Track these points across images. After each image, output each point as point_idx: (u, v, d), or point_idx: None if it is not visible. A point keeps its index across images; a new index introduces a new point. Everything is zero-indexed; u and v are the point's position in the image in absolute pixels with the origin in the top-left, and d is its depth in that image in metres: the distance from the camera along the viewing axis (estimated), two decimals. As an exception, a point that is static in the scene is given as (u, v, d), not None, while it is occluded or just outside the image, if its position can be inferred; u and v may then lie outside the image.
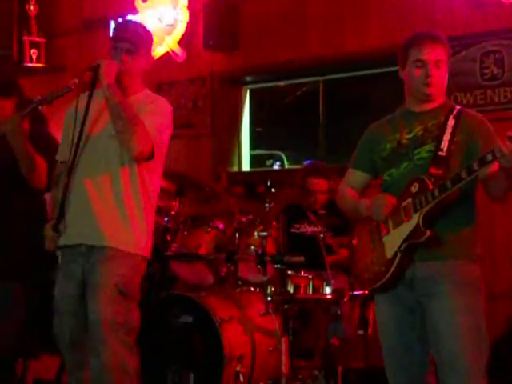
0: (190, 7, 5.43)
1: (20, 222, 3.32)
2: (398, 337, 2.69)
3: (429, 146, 2.65)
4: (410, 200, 2.59)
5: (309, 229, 4.11)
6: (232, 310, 3.76)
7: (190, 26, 5.43)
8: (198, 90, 5.50)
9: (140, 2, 5.63)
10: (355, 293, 3.68)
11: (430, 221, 2.55)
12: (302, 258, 3.62)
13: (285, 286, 3.68)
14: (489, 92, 4.38)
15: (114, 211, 2.88)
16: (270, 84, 5.62)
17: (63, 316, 2.89)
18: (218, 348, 3.60)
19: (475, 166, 2.42)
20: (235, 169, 5.61)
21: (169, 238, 4.03)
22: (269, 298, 3.69)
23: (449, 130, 2.63)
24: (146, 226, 2.96)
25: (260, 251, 3.72)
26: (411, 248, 2.59)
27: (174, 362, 3.65)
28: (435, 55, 2.64)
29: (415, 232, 2.56)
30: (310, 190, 4.31)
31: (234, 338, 3.66)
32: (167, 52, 5.48)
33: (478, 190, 2.66)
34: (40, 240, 3.39)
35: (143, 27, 3.09)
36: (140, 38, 2.97)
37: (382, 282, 2.64)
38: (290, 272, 3.73)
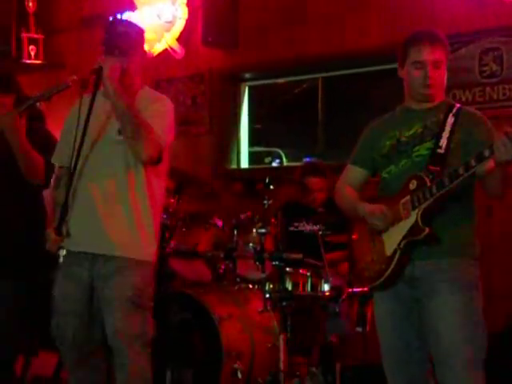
0: (189, 4, 5.43)
1: (18, 219, 3.31)
2: (397, 334, 2.69)
3: (428, 144, 2.65)
4: (408, 197, 2.59)
5: (307, 226, 4.12)
6: (230, 308, 3.77)
7: (189, 22, 5.43)
8: (197, 87, 5.50)
9: (139, -1, 5.63)
10: (354, 290, 3.69)
11: (429, 218, 2.55)
12: (300, 256, 3.62)
13: (283, 283, 3.69)
14: (488, 89, 4.38)
15: (122, 218, 2.83)
16: (268, 81, 5.61)
17: (66, 316, 2.86)
18: (217, 345, 3.60)
19: (472, 162, 2.43)
20: (234, 166, 5.61)
21: (167, 235, 4.02)
22: (267, 295, 3.69)
23: (448, 128, 2.63)
24: (153, 231, 2.91)
25: (258, 248, 3.72)
26: (410, 245, 2.59)
27: (172, 359, 3.66)
28: (434, 56, 2.63)
29: (414, 229, 2.56)
30: (309, 189, 4.31)
31: (232, 335, 3.66)
32: (166, 49, 5.47)
33: (476, 187, 2.66)
34: (39, 238, 3.39)
35: (131, 24, 3.02)
36: (130, 37, 2.89)
37: (381, 280, 2.65)
38: (288, 269, 3.73)
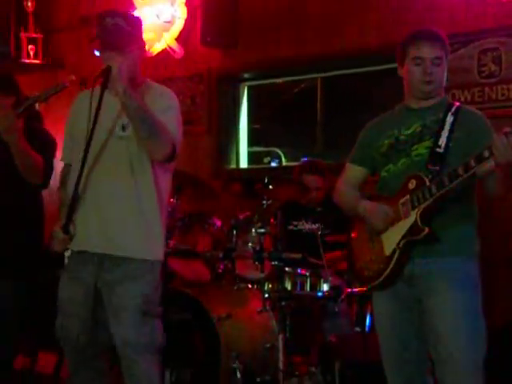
0: (188, 4, 5.43)
1: (18, 219, 3.31)
2: (396, 333, 2.70)
3: (427, 143, 2.65)
4: (407, 197, 2.59)
5: (306, 226, 4.12)
6: (229, 307, 3.77)
7: (188, 22, 5.42)
8: (196, 87, 5.50)
9: (138, -2, 5.63)
10: (354, 290, 3.69)
11: (428, 217, 2.56)
12: (299, 255, 3.62)
13: (282, 282, 3.69)
14: (486, 89, 4.38)
15: (128, 216, 2.76)
16: (267, 81, 5.61)
17: (70, 318, 2.80)
18: (216, 345, 3.60)
19: (472, 163, 2.43)
20: (233, 166, 5.61)
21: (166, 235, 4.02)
22: (266, 295, 3.70)
23: (447, 127, 2.64)
24: (160, 230, 2.84)
25: (257, 248, 3.72)
26: (410, 245, 2.59)
27: (171, 358, 3.65)
28: (433, 52, 2.64)
29: (413, 229, 2.57)
30: (307, 187, 4.31)
31: (231, 334, 3.66)
32: (165, 49, 5.47)
33: (477, 187, 2.66)
34: (39, 238, 3.39)
35: (125, 16, 2.84)
36: (124, 31, 2.76)
37: (381, 280, 2.65)
38: (287, 269, 3.73)
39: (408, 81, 2.71)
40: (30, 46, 5.96)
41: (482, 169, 2.46)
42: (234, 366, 3.59)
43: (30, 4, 5.96)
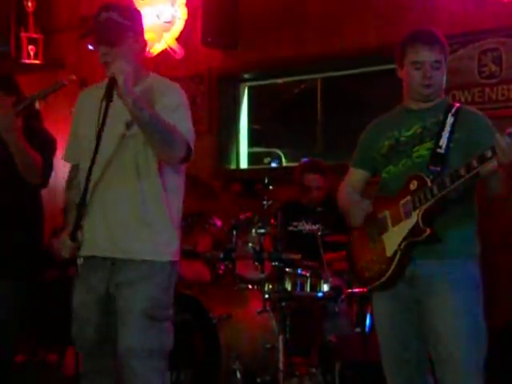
0: (189, 4, 5.43)
1: (18, 219, 3.31)
2: (395, 334, 2.70)
3: (428, 144, 2.65)
4: (408, 197, 2.59)
5: (306, 226, 4.12)
6: (229, 308, 3.77)
7: (189, 22, 5.42)
8: (197, 88, 5.50)
9: (138, -1, 5.63)
10: (354, 290, 3.69)
11: (430, 218, 2.55)
12: (299, 256, 3.62)
13: (282, 283, 3.69)
14: (487, 90, 4.38)
15: (132, 218, 2.66)
16: (268, 81, 5.61)
17: (85, 325, 2.72)
18: (216, 345, 3.60)
19: (474, 164, 2.42)
20: (233, 166, 5.61)
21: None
22: (266, 296, 3.70)
23: (448, 128, 2.63)
24: (172, 228, 2.71)
25: (258, 249, 3.72)
26: (411, 246, 2.59)
27: (171, 359, 3.65)
28: (432, 56, 2.63)
29: (415, 230, 2.56)
30: (307, 187, 4.31)
31: (231, 335, 3.66)
32: (165, 49, 5.47)
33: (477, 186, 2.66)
34: (39, 238, 3.39)
35: (120, 10, 2.70)
36: (119, 25, 2.64)
37: (382, 281, 2.64)
38: (287, 269, 3.73)
39: (407, 83, 2.70)
40: (30, 46, 5.96)
41: (485, 169, 2.44)
42: (234, 366, 3.58)
43: (30, 4, 5.96)
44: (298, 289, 3.76)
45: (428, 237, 2.54)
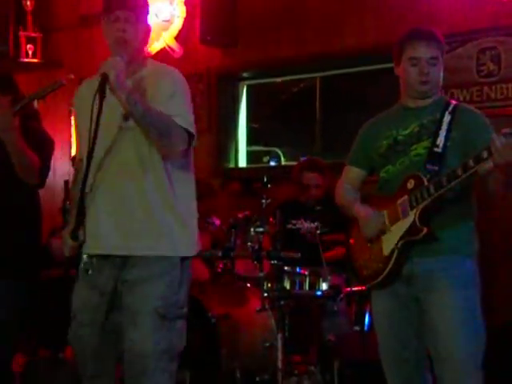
0: (187, 2, 5.42)
1: (18, 219, 3.30)
2: (395, 333, 2.70)
3: (425, 143, 2.65)
4: (405, 197, 2.60)
5: (305, 225, 4.12)
6: (228, 307, 3.77)
7: (187, 21, 5.42)
8: (195, 86, 5.48)
9: (137, -2, 5.62)
10: (353, 289, 3.69)
11: (427, 217, 2.56)
12: (298, 254, 3.62)
13: (281, 282, 3.69)
14: (485, 89, 4.38)
15: (144, 213, 2.56)
16: (267, 80, 5.61)
17: (87, 327, 2.60)
18: (215, 344, 3.60)
19: (471, 163, 2.42)
20: (232, 165, 5.61)
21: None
22: (265, 294, 3.70)
23: (445, 126, 2.64)
24: (182, 222, 2.60)
25: (256, 247, 3.72)
26: (408, 245, 2.60)
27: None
28: (429, 52, 2.64)
29: (412, 229, 2.57)
30: (306, 185, 4.32)
31: (230, 334, 3.66)
32: (164, 48, 5.47)
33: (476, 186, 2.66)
34: (39, 238, 3.39)
35: None
36: (136, 3, 2.60)
37: (379, 279, 2.65)
38: (286, 268, 3.74)
39: (404, 80, 2.71)
40: (28, 46, 5.95)
41: (482, 168, 2.45)
42: (233, 365, 3.59)
43: (28, 3, 5.95)
44: (297, 287, 3.76)
45: (425, 236, 2.55)
